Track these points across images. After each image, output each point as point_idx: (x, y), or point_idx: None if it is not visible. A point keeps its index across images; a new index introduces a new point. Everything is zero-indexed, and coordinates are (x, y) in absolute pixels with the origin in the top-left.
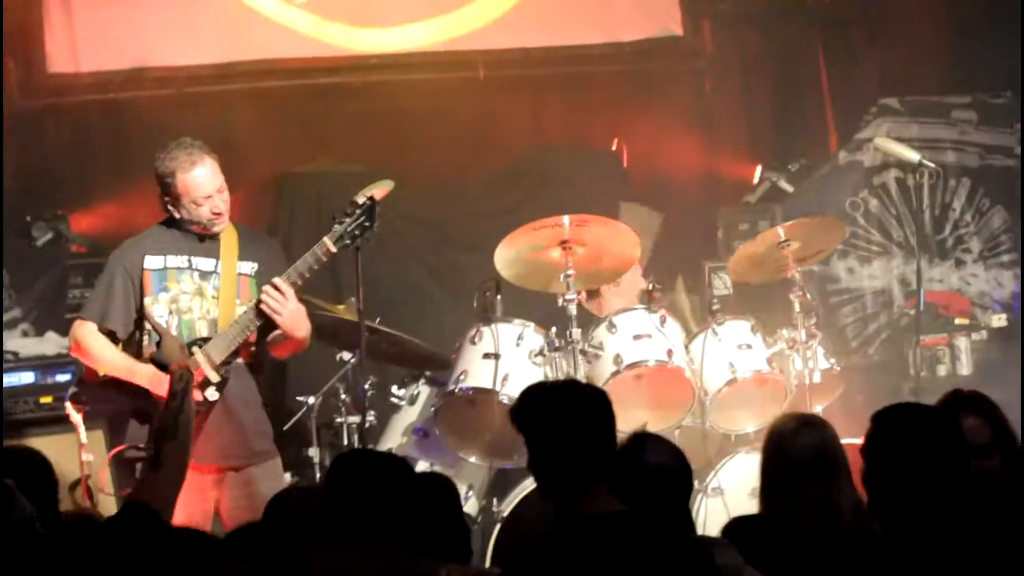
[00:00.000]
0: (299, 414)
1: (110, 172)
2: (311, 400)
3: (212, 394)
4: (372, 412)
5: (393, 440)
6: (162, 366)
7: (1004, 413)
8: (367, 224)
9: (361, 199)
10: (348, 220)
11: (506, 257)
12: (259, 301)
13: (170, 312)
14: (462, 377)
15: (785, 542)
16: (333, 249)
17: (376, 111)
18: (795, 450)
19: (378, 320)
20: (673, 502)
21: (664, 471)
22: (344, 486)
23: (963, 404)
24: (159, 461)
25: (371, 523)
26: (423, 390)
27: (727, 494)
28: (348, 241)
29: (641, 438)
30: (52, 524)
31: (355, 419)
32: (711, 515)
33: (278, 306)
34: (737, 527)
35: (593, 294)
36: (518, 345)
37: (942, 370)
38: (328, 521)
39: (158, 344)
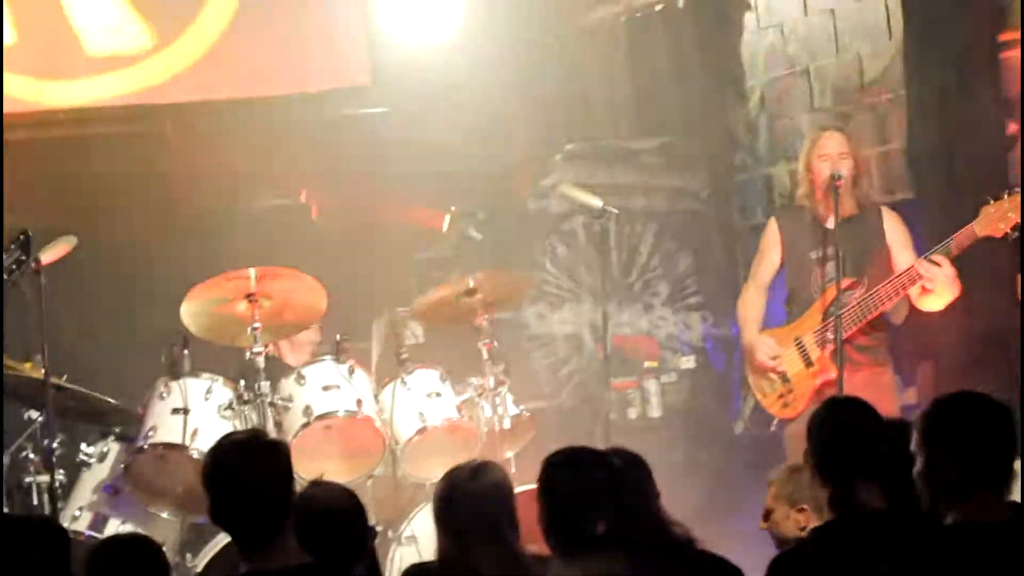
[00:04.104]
0: None
1: None
2: None
3: None
4: (61, 471)
5: (83, 498)
6: None
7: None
8: (23, 257)
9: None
10: (4, 256)
11: (192, 310)
12: None
13: None
14: (151, 433)
15: None
16: None
17: (63, 166)
18: (468, 497)
19: (64, 377)
20: (352, 545)
21: (335, 512)
22: None
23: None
24: None
25: None
26: (112, 447)
27: (420, 542)
28: (6, 276)
29: (311, 485)
30: None
31: (44, 478)
32: (406, 563)
33: None
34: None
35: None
36: (207, 399)
37: (632, 412)
38: None
39: None
